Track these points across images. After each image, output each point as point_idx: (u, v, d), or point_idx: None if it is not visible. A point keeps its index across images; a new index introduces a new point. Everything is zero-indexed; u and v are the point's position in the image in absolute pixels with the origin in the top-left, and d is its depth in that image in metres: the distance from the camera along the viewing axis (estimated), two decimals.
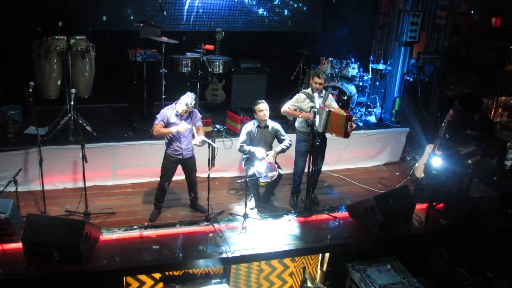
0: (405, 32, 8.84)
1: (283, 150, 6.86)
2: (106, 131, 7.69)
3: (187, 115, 6.33)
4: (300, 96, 6.89)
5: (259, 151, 6.70)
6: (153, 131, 6.36)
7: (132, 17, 8.01)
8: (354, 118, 7.10)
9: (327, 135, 6.94)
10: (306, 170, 6.87)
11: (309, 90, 6.89)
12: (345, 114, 6.48)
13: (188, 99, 6.16)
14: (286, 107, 6.91)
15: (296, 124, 7.01)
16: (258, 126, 6.82)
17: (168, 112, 6.32)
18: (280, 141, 6.93)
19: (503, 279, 6.45)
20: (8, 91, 7.93)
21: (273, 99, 7.92)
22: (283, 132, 6.93)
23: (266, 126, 6.83)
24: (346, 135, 6.56)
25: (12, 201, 5.98)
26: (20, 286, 5.54)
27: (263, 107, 6.69)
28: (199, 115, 6.53)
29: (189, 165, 6.61)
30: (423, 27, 8.94)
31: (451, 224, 7.06)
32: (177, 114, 6.28)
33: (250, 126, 6.86)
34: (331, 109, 6.60)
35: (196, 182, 6.81)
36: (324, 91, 6.89)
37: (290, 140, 6.90)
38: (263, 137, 6.85)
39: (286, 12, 9.12)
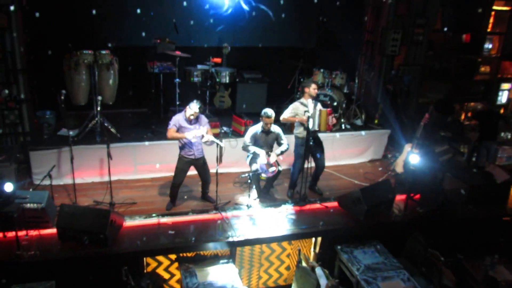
0: (386, 47, 8.91)
1: (282, 153, 6.94)
2: (128, 133, 7.73)
3: (195, 119, 6.40)
4: (295, 105, 6.98)
5: (261, 153, 6.75)
6: (168, 134, 6.42)
7: (150, 34, 8.06)
8: (334, 114, 7.24)
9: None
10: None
11: (302, 100, 6.98)
12: (325, 110, 6.81)
13: (193, 106, 6.26)
14: (285, 115, 6.96)
15: (295, 131, 7.06)
16: (262, 131, 6.87)
17: (179, 118, 6.41)
18: (279, 144, 6.98)
19: (471, 260, 6.49)
20: (44, 98, 7.97)
21: (273, 105, 7.92)
22: (283, 137, 6.98)
23: (269, 131, 6.88)
24: (328, 127, 6.87)
25: (47, 193, 6.06)
26: (54, 266, 5.58)
27: (268, 121, 6.70)
28: (205, 119, 6.56)
29: (200, 164, 6.64)
30: (402, 42, 8.98)
31: (426, 212, 7.10)
32: (186, 119, 6.36)
33: (255, 128, 6.89)
34: (321, 109, 6.87)
35: (210, 181, 6.82)
36: (313, 100, 6.99)
37: (288, 144, 6.96)
38: (266, 140, 6.90)
39: (284, 29, 9.15)
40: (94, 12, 7.68)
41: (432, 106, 8.32)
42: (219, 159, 6.42)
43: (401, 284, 5.88)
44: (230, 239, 6.18)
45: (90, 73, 7.43)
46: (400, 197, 7.20)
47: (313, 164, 7.09)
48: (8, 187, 5.50)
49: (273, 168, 6.77)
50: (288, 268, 6.92)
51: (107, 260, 5.74)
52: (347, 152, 8.63)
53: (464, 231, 7.02)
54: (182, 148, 6.49)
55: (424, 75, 9.68)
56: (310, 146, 6.74)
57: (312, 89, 6.88)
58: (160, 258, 6.27)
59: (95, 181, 7.28)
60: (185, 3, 8.37)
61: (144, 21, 8.22)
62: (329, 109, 6.90)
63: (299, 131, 6.97)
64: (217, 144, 6.33)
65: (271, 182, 7.20)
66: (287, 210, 6.90)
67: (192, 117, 6.31)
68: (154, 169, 7.56)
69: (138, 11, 8.12)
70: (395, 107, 9.12)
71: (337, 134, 8.36)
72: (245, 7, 8.70)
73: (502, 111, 10.85)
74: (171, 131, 6.36)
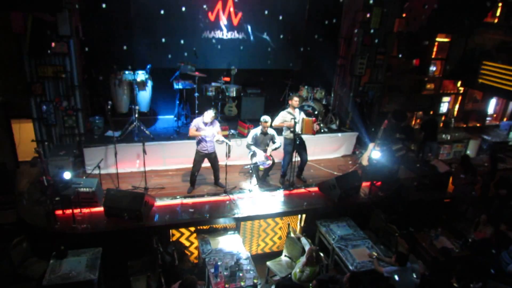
0: (355, 69, 8.82)
1: (276, 148, 6.84)
2: (159, 134, 7.64)
3: (210, 123, 6.33)
4: (283, 113, 6.89)
5: (260, 153, 6.67)
6: (189, 133, 6.38)
7: (175, 59, 8.00)
8: (317, 122, 7.15)
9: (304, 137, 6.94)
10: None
11: (288, 109, 6.90)
12: (312, 119, 6.70)
13: (209, 112, 6.26)
14: (277, 122, 6.85)
15: (283, 133, 6.98)
16: (261, 133, 6.78)
17: (198, 121, 6.35)
18: (274, 143, 6.88)
19: (420, 232, 6.41)
20: (95, 107, 7.93)
21: (269, 113, 7.84)
22: (276, 137, 6.88)
23: (267, 133, 6.79)
24: (313, 132, 6.74)
25: (96, 180, 6.04)
26: (102, 236, 5.54)
27: (266, 125, 6.65)
28: (217, 123, 6.52)
29: (212, 157, 6.58)
30: (367, 66, 8.89)
31: (386, 195, 7.03)
32: (204, 122, 6.29)
33: (256, 131, 6.82)
34: (304, 117, 6.78)
35: (219, 169, 6.76)
36: (297, 109, 6.89)
37: (280, 143, 6.88)
38: (263, 140, 6.81)
39: (277, 56, 9.05)
40: (131, 41, 7.62)
41: (390, 114, 8.26)
42: (228, 154, 6.36)
43: (366, 250, 5.82)
44: (236, 216, 6.15)
45: (130, 88, 7.39)
46: (365, 184, 7.14)
47: (298, 159, 7.01)
48: (67, 175, 5.50)
49: (269, 162, 6.70)
50: (280, 238, 6.84)
51: (142, 231, 5.71)
52: (325, 149, 8.53)
53: (414, 210, 6.96)
54: (198, 144, 6.45)
55: (384, 91, 9.60)
56: (296, 144, 6.65)
57: (294, 101, 6.82)
58: (182, 230, 6.21)
59: (133, 171, 7.18)
60: (202, 36, 8.29)
61: (171, 49, 8.15)
62: (314, 118, 6.80)
63: (287, 133, 6.89)
64: (226, 143, 6.28)
65: (267, 172, 7.11)
66: (279, 194, 6.83)
67: (208, 120, 6.25)
68: (178, 161, 7.47)
69: (167, 41, 8.04)
70: (362, 115, 9.03)
71: (317, 136, 8.22)
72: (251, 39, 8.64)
73: (443, 118, 10.80)
74: (192, 130, 6.33)
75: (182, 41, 8.16)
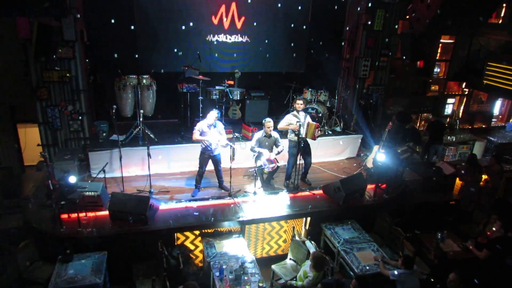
0: (359, 71, 8.79)
1: (279, 152, 6.83)
2: (163, 138, 7.63)
3: (213, 124, 6.32)
4: (289, 116, 6.89)
5: (265, 152, 6.66)
6: (192, 137, 6.38)
7: (179, 63, 8.03)
8: (320, 128, 7.11)
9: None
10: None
11: (294, 112, 6.89)
12: (315, 124, 6.64)
13: (212, 113, 6.27)
14: (282, 124, 6.85)
15: (288, 136, 6.96)
16: (265, 135, 6.77)
17: (202, 124, 6.35)
18: (277, 146, 6.87)
19: (426, 234, 6.36)
20: (99, 111, 7.96)
21: (272, 116, 7.83)
22: (280, 140, 6.87)
23: (270, 136, 6.78)
24: (314, 138, 6.69)
25: (102, 184, 6.03)
26: (107, 240, 5.53)
27: (269, 125, 6.63)
28: (221, 125, 6.50)
29: (215, 159, 6.57)
30: (371, 68, 8.87)
31: (391, 198, 6.98)
32: (208, 124, 6.31)
33: (259, 134, 6.81)
34: (309, 121, 6.72)
35: (221, 170, 6.74)
36: (303, 112, 6.87)
37: (283, 146, 6.86)
38: (267, 143, 6.80)
39: (281, 59, 9.06)
40: (137, 45, 7.65)
41: (394, 116, 8.21)
42: (232, 157, 6.35)
43: (372, 253, 5.76)
44: (241, 219, 6.12)
45: (134, 92, 7.38)
46: (370, 186, 7.08)
47: (303, 161, 6.97)
48: (72, 179, 5.50)
49: (273, 164, 6.68)
50: (285, 241, 6.80)
51: (146, 235, 5.69)
52: (330, 152, 8.49)
53: (420, 212, 6.90)
54: (203, 147, 6.46)
55: (388, 93, 9.57)
56: (301, 147, 6.63)
57: (296, 104, 6.82)
58: (187, 233, 6.18)
59: (138, 174, 7.18)
60: (206, 39, 8.32)
61: (175, 53, 8.18)
62: (317, 123, 6.76)
63: (292, 136, 6.87)
64: (231, 146, 6.26)
65: (272, 175, 7.08)
66: (284, 197, 6.79)
67: (212, 121, 6.25)
68: (183, 165, 7.46)
69: (171, 46, 8.09)
70: (366, 117, 9.01)
71: (322, 139, 8.20)
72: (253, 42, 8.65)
73: (448, 119, 10.74)
74: (195, 134, 6.33)
75: (185, 45, 8.19)
